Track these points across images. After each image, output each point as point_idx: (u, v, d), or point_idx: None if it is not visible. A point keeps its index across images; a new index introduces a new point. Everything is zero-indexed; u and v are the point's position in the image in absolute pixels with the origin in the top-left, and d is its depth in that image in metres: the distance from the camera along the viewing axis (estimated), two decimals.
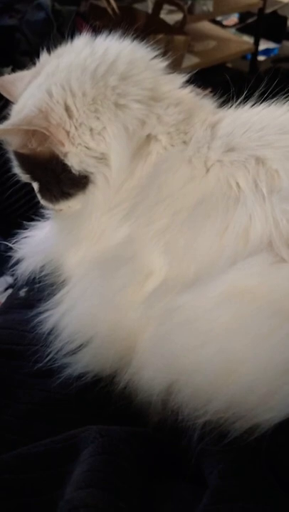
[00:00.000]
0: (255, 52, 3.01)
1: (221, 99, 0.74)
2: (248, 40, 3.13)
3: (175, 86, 0.69)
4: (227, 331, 0.53)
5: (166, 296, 0.59)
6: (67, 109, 0.64)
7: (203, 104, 0.70)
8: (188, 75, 0.73)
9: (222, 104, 0.73)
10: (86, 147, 0.65)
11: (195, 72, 0.77)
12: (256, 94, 0.69)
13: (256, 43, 2.99)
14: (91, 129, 0.64)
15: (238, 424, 0.49)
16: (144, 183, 0.64)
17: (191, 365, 0.54)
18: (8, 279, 1.88)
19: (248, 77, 2.85)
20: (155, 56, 0.70)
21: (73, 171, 0.66)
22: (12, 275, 1.87)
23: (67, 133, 0.64)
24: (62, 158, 0.65)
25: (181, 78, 0.71)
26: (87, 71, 0.64)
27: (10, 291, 1.87)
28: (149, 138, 0.66)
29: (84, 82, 0.64)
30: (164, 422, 0.56)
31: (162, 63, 0.70)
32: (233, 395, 0.50)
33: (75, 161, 0.65)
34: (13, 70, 1.76)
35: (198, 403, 0.52)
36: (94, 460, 0.46)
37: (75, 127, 0.64)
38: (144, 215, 0.63)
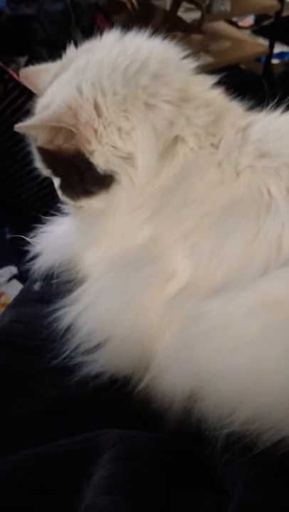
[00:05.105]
0: (270, 55, 2.99)
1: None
2: (262, 42, 3.11)
3: (205, 87, 0.69)
4: (257, 340, 0.52)
5: (190, 300, 0.59)
6: (96, 107, 0.63)
7: (232, 107, 0.70)
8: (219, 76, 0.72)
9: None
10: (113, 146, 0.64)
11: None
12: (271, 98, 0.69)
13: (271, 46, 2.97)
14: (119, 129, 0.63)
15: (265, 436, 0.48)
16: (171, 185, 0.64)
17: (217, 373, 0.53)
18: (13, 269, 1.88)
19: (260, 80, 2.85)
20: (186, 56, 0.70)
21: (98, 170, 0.65)
22: (16, 266, 1.88)
23: (95, 131, 0.63)
24: (87, 156, 0.65)
25: (211, 79, 0.70)
26: (118, 69, 0.64)
27: (14, 281, 1.88)
28: (176, 139, 0.65)
29: (115, 81, 0.63)
30: (185, 428, 0.55)
31: (193, 63, 0.69)
32: (261, 405, 0.50)
33: (101, 160, 0.64)
34: (29, 60, 1.75)
35: (224, 412, 0.51)
36: (115, 465, 0.46)
37: (104, 126, 0.63)
38: (170, 216, 0.63)
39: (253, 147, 0.62)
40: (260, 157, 0.61)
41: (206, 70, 0.72)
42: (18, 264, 1.79)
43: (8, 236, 1.73)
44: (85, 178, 0.67)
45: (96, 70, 0.64)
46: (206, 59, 2.61)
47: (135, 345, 0.61)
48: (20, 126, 0.63)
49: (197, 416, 0.54)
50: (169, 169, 0.65)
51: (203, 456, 0.52)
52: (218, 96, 0.69)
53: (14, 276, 1.86)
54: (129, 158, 0.64)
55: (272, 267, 0.56)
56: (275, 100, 0.68)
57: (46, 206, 1.43)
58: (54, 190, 0.75)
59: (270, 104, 0.68)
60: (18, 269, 1.81)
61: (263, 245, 0.57)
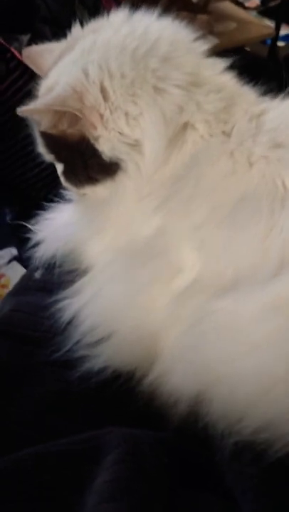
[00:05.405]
0: (276, 38, 2.93)
1: None
2: (268, 24, 3.04)
3: (216, 71, 0.66)
4: (271, 343, 0.50)
5: (198, 296, 0.56)
6: (103, 90, 0.60)
7: (244, 93, 0.67)
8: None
9: None
10: (119, 132, 0.61)
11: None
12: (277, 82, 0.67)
13: (277, 28, 2.90)
14: (126, 114, 0.61)
15: (277, 445, 0.46)
16: (180, 174, 0.61)
17: (226, 375, 0.51)
18: (13, 251, 1.86)
19: (266, 63, 2.79)
20: (196, 38, 0.66)
21: (104, 157, 0.62)
22: (16, 247, 1.86)
23: (101, 116, 0.61)
24: (93, 142, 0.62)
25: (223, 63, 0.67)
26: (126, 51, 0.61)
27: (14, 263, 1.86)
28: (185, 125, 0.62)
29: (123, 63, 0.60)
30: (191, 430, 0.53)
31: (203, 46, 0.66)
32: (272, 413, 0.47)
33: (106, 147, 0.62)
34: (32, 38, 1.71)
35: (232, 418, 0.49)
36: (118, 469, 0.44)
37: (110, 111, 0.61)
38: (179, 207, 0.60)
39: (267, 137, 0.59)
40: (274, 147, 0.59)
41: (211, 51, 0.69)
42: (18, 247, 1.76)
43: (8, 219, 1.70)
44: (89, 164, 0.64)
45: (103, 51, 0.61)
46: (211, 40, 2.56)
47: (139, 342, 0.59)
48: (23, 111, 0.60)
49: (204, 420, 0.52)
50: (178, 157, 0.62)
51: (209, 458, 0.50)
52: (230, 81, 0.66)
53: (14, 258, 1.84)
54: (136, 145, 0.62)
55: (287, 266, 0.54)
56: None
57: (47, 187, 1.41)
58: (56, 171, 0.73)
59: (285, 91, 0.66)
60: (19, 251, 1.79)
61: (277, 242, 0.55)
